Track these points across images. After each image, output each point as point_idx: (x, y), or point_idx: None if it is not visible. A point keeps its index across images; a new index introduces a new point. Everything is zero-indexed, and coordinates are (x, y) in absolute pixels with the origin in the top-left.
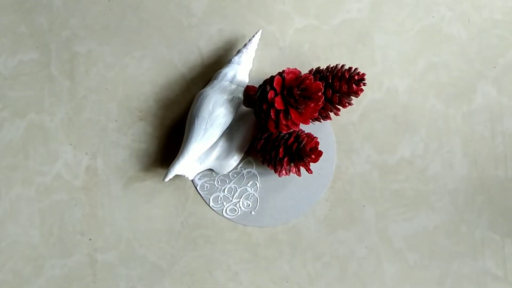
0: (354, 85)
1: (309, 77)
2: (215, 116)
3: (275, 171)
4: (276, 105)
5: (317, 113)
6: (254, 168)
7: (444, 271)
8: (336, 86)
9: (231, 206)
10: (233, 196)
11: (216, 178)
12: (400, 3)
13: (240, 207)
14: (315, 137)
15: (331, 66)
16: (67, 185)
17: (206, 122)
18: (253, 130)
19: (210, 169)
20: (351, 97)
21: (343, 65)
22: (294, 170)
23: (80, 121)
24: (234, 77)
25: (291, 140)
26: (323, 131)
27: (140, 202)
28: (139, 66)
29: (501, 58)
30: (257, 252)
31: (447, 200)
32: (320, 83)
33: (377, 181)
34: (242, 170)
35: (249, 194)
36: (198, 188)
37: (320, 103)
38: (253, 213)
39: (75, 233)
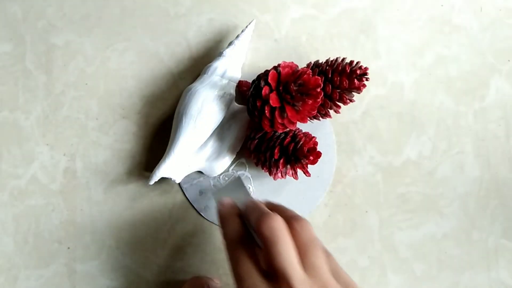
0: (355, 80)
1: (307, 72)
2: (204, 113)
3: (270, 174)
4: (271, 102)
5: (316, 111)
6: (247, 170)
7: (454, 283)
8: (336, 81)
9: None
10: None
11: (206, 181)
12: None
13: None
14: (314, 136)
15: (331, 59)
16: (43, 188)
17: (195, 121)
18: (246, 129)
19: (199, 172)
20: (353, 93)
21: (343, 59)
22: (290, 172)
23: (58, 119)
24: (225, 71)
25: (287, 140)
26: (322, 130)
27: (123, 207)
28: (122, 60)
29: None
30: None
31: (457, 205)
32: (319, 78)
33: (381, 184)
34: (234, 172)
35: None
36: (186, 192)
37: (318, 100)
38: None
39: (52, 241)
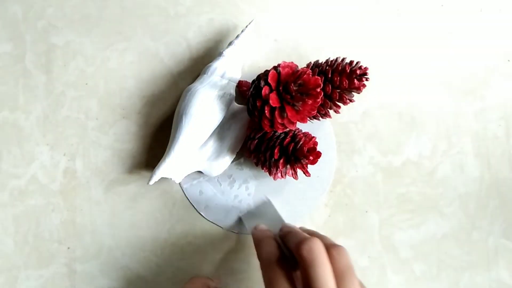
0: (355, 80)
1: (307, 72)
2: (204, 113)
3: (270, 174)
4: (271, 102)
5: (316, 111)
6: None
7: (454, 283)
8: (336, 81)
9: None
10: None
11: (206, 181)
12: None
13: None
14: (313, 136)
15: (331, 59)
16: (43, 189)
17: (195, 120)
18: (246, 129)
19: (199, 172)
20: (353, 93)
21: (343, 58)
22: (290, 172)
23: (58, 120)
24: (225, 71)
25: (287, 140)
26: (322, 130)
27: (123, 207)
28: (122, 60)
29: None
30: (250, 262)
31: (457, 205)
32: (319, 78)
33: (381, 184)
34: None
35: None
36: (186, 192)
37: (318, 100)
38: None
39: (52, 241)
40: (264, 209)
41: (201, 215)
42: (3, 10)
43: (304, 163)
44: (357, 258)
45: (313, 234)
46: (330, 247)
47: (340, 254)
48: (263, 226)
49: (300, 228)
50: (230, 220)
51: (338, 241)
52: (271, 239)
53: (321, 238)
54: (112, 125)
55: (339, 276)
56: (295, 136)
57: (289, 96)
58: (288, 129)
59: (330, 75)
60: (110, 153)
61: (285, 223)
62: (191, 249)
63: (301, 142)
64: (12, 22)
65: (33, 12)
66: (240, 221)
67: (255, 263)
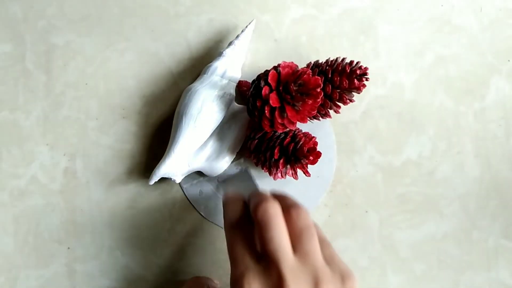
0: (355, 80)
1: (307, 72)
2: (204, 113)
3: (270, 174)
4: (271, 102)
5: (316, 111)
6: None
7: (454, 283)
8: (336, 82)
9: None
10: None
11: (206, 181)
12: None
13: None
14: (313, 136)
15: (331, 59)
16: (43, 189)
17: (195, 120)
18: (246, 129)
19: (199, 172)
20: (353, 93)
21: (343, 59)
22: (290, 172)
23: (58, 119)
24: (225, 71)
25: (287, 140)
26: (322, 130)
27: (123, 207)
28: (122, 60)
29: None
30: None
31: (457, 205)
32: (319, 78)
33: (381, 184)
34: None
35: None
36: (186, 192)
37: (318, 100)
38: None
39: (52, 241)
40: (242, 178)
41: (201, 215)
42: (3, 10)
43: (304, 163)
44: (357, 258)
45: (279, 196)
46: (290, 208)
47: (298, 215)
48: (235, 192)
49: (271, 191)
50: None
51: (338, 241)
52: (239, 201)
53: (285, 199)
54: (112, 125)
55: (296, 236)
56: (295, 136)
57: (289, 96)
58: (288, 129)
59: (330, 75)
60: (110, 153)
61: (257, 189)
62: (191, 249)
63: (301, 142)
64: (12, 22)
65: (33, 12)
66: (217, 186)
67: None
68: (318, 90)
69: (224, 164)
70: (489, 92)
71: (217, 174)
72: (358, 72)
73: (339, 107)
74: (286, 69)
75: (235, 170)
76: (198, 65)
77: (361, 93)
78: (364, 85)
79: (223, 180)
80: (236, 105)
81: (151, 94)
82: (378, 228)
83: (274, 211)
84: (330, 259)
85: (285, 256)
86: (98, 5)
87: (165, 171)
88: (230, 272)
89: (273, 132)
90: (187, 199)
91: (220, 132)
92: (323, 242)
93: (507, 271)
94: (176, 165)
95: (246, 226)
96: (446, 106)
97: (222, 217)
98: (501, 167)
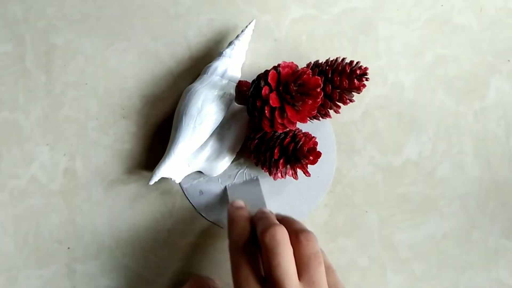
0: (355, 80)
1: (307, 72)
2: (204, 113)
3: (270, 174)
4: (271, 102)
5: (316, 111)
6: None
7: (454, 283)
8: (336, 81)
9: (223, 212)
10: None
11: (206, 181)
12: None
13: None
14: (314, 136)
15: (331, 59)
16: (43, 189)
17: (195, 121)
18: (246, 129)
19: (199, 172)
20: (353, 93)
21: (343, 59)
22: (290, 172)
23: (58, 119)
24: (225, 71)
25: (287, 140)
26: (322, 130)
27: (123, 207)
28: (122, 60)
29: None
30: None
31: (457, 205)
32: (319, 78)
33: (381, 184)
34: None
35: None
36: (186, 192)
37: (318, 100)
38: None
39: (52, 241)
40: (250, 187)
41: (201, 215)
42: (3, 10)
43: (304, 163)
44: (357, 258)
45: (285, 220)
46: (298, 234)
47: (308, 241)
48: (241, 202)
49: (277, 214)
50: None
51: (338, 241)
52: (245, 221)
53: (292, 224)
54: (112, 125)
55: (303, 264)
56: (295, 136)
57: (289, 96)
58: (288, 129)
59: (330, 75)
60: (110, 153)
61: (264, 207)
62: (191, 249)
63: (301, 142)
64: (12, 22)
65: (33, 12)
66: (224, 191)
67: None
68: (318, 90)
69: (224, 164)
70: (489, 92)
71: (217, 174)
72: (358, 72)
73: (339, 107)
74: (286, 69)
75: (245, 177)
76: (198, 65)
77: (361, 93)
78: (364, 85)
79: (232, 185)
80: (236, 105)
81: (151, 94)
82: (378, 228)
83: (282, 237)
84: (333, 287)
85: (291, 284)
86: (98, 5)
87: (165, 171)
88: (230, 271)
89: (273, 132)
90: (187, 199)
91: (220, 132)
92: (328, 270)
93: (507, 271)
94: (176, 165)
95: (252, 250)
96: (446, 106)
97: (222, 217)
98: (501, 167)
